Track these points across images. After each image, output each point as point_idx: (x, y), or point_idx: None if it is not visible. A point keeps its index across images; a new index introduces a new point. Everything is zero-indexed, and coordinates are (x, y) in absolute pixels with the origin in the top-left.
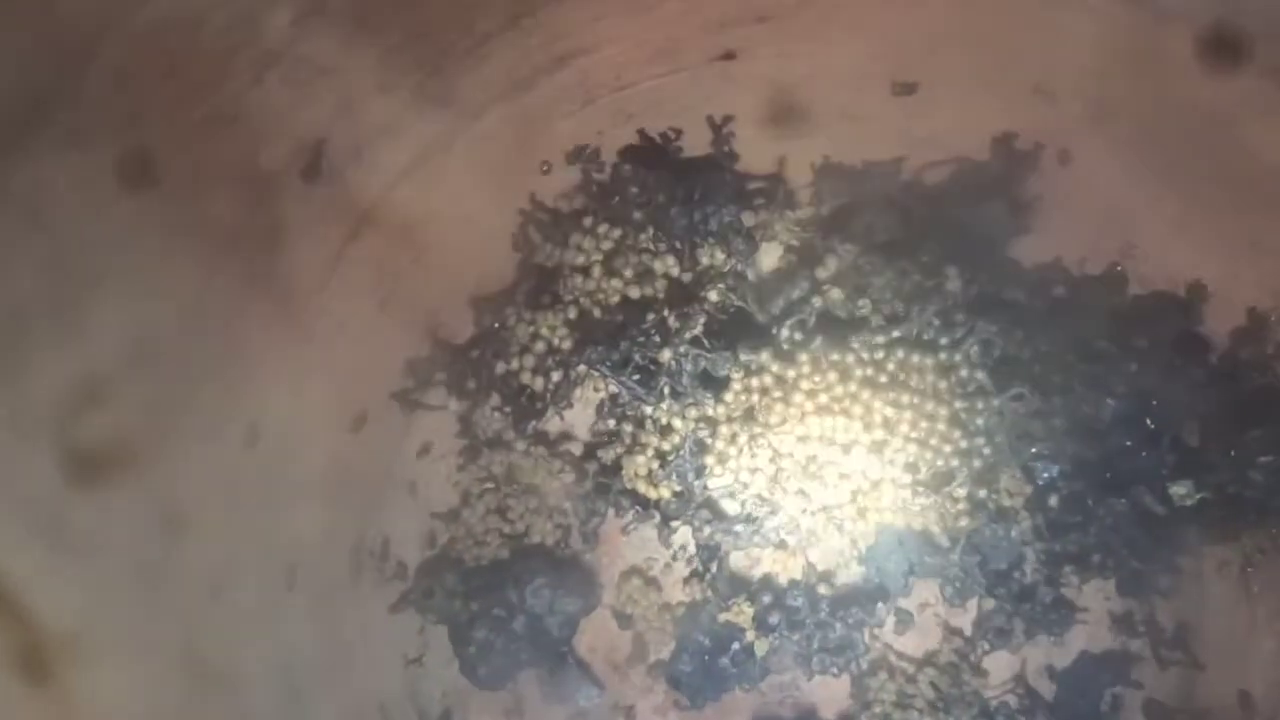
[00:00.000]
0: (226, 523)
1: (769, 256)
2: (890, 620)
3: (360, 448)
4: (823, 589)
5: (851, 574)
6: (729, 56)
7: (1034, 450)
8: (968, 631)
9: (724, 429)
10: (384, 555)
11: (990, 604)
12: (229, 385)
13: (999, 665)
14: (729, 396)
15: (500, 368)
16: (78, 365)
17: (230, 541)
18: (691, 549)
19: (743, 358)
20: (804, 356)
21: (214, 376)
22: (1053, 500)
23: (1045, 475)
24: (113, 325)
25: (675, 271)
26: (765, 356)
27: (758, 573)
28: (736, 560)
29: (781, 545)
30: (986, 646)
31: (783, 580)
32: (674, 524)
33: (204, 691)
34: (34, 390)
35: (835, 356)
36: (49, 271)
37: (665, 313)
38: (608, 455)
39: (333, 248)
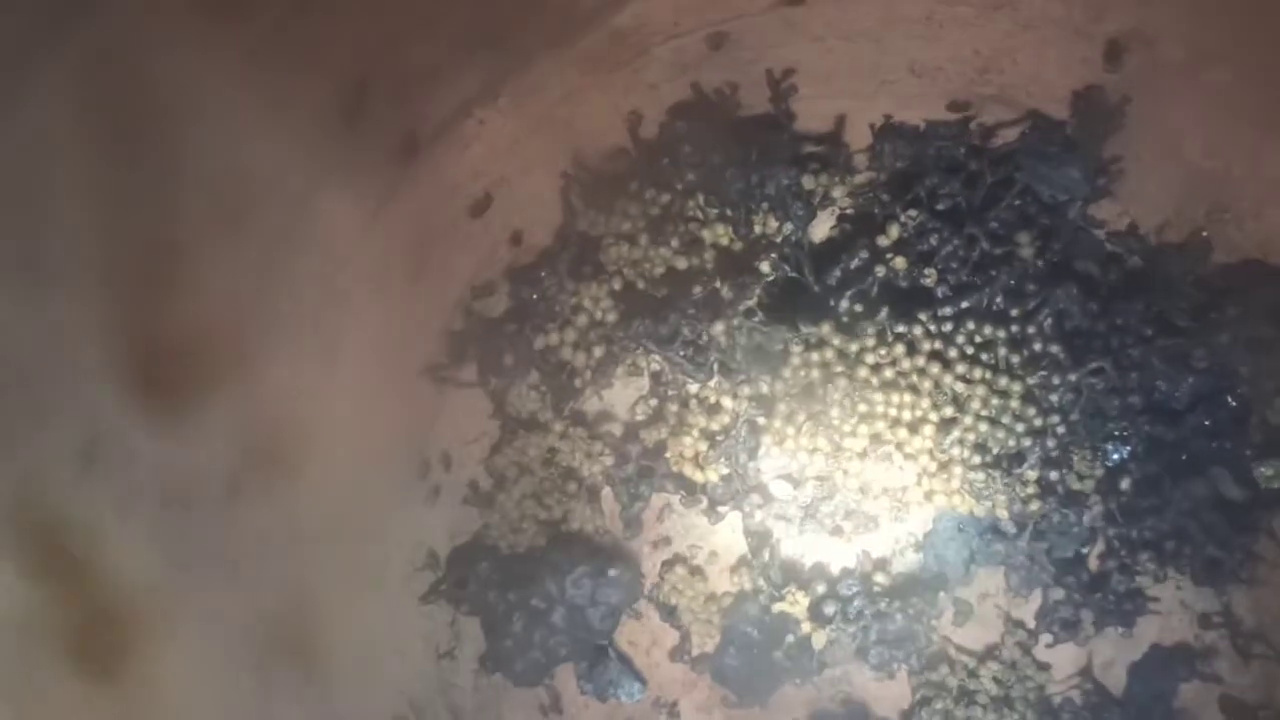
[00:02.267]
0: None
1: (821, 225)
2: (949, 611)
3: (387, 425)
4: (879, 578)
5: (908, 562)
6: (795, 2)
7: (1108, 428)
8: (1030, 623)
9: (780, 407)
10: (415, 543)
11: (1058, 594)
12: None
13: (1063, 659)
14: (786, 372)
15: (539, 342)
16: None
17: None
18: (740, 535)
19: (803, 330)
20: (868, 329)
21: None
22: (1125, 483)
23: (1116, 456)
24: None
25: (725, 240)
26: (826, 329)
27: (808, 561)
28: (788, 547)
29: (837, 531)
30: (1050, 639)
31: (835, 569)
32: (721, 509)
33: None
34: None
35: (901, 329)
36: None
37: (717, 284)
38: (651, 436)
39: (369, 205)
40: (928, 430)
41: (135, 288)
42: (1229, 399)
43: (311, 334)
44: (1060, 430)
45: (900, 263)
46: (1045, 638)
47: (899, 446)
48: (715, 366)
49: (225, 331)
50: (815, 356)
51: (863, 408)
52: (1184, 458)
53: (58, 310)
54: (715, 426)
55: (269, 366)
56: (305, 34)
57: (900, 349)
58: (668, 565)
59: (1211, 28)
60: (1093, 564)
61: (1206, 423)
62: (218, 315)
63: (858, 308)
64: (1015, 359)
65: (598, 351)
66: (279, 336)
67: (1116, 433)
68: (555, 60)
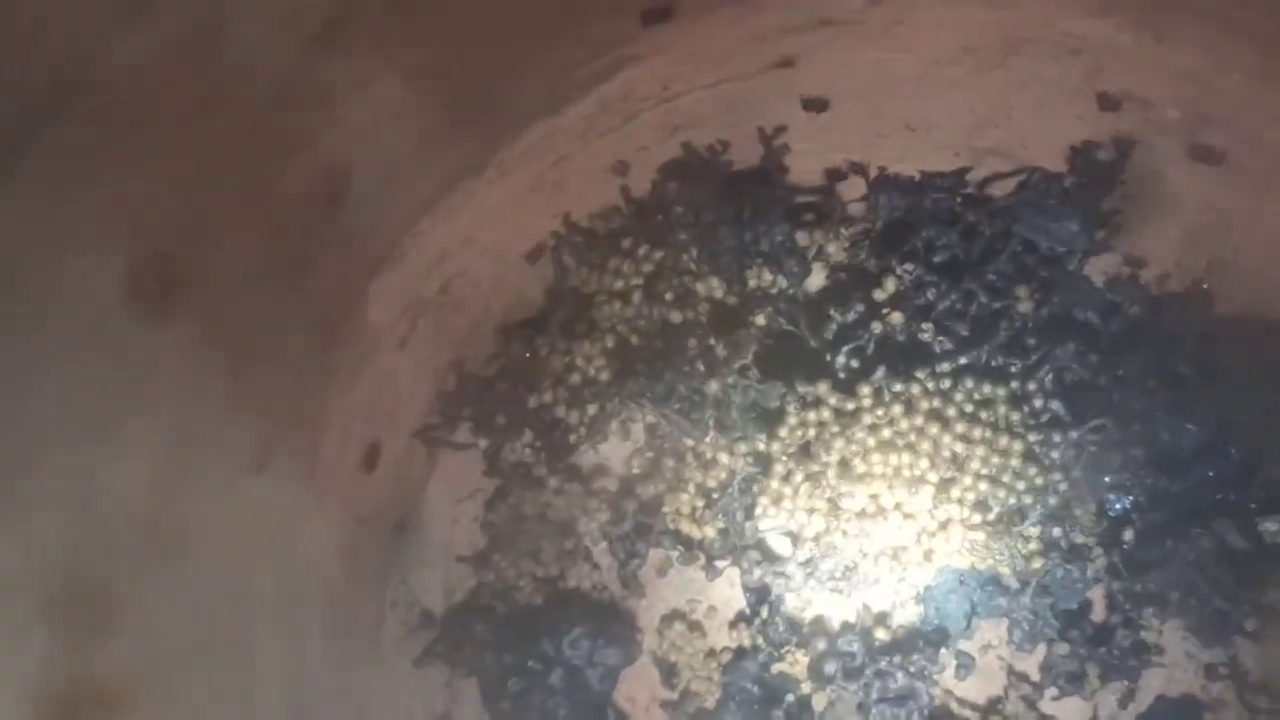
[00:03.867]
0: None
1: (817, 277)
2: (951, 665)
3: (379, 489)
4: (880, 633)
5: (908, 615)
6: (786, 64)
7: (1108, 481)
8: (1035, 676)
9: (777, 466)
10: (408, 604)
11: (1062, 648)
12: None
13: (1068, 712)
14: (783, 431)
15: (532, 401)
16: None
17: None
18: (738, 591)
19: (799, 389)
20: (865, 388)
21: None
22: (1128, 535)
23: (1119, 507)
24: None
25: (720, 294)
26: (823, 388)
27: (809, 615)
28: (788, 603)
29: (837, 589)
30: (1055, 692)
31: (835, 624)
32: (719, 565)
33: None
34: None
35: (899, 387)
36: None
37: (711, 340)
38: (647, 492)
39: (357, 281)
40: (926, 490)
41: None
42: (1232, 450)
43: None
44: (1062, 487)
45: (897, 318)
46: (1050, 691)
47: (897, 506)
48: (711, 423)
49: None
50: (812, 415)
51: (860, 468)
52: (1188, 509)
53: None
54: (712, 482)
55: None
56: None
57: (898, 408)
58: (666, 621)
59: (1209, 93)
60: (1097, 617)
61: (1210, 474)
62: None
63: (854, 364)
64: (1015, 416)
65: (591, 409)
66: None
67: (1119, 484)
68: (543, 131)
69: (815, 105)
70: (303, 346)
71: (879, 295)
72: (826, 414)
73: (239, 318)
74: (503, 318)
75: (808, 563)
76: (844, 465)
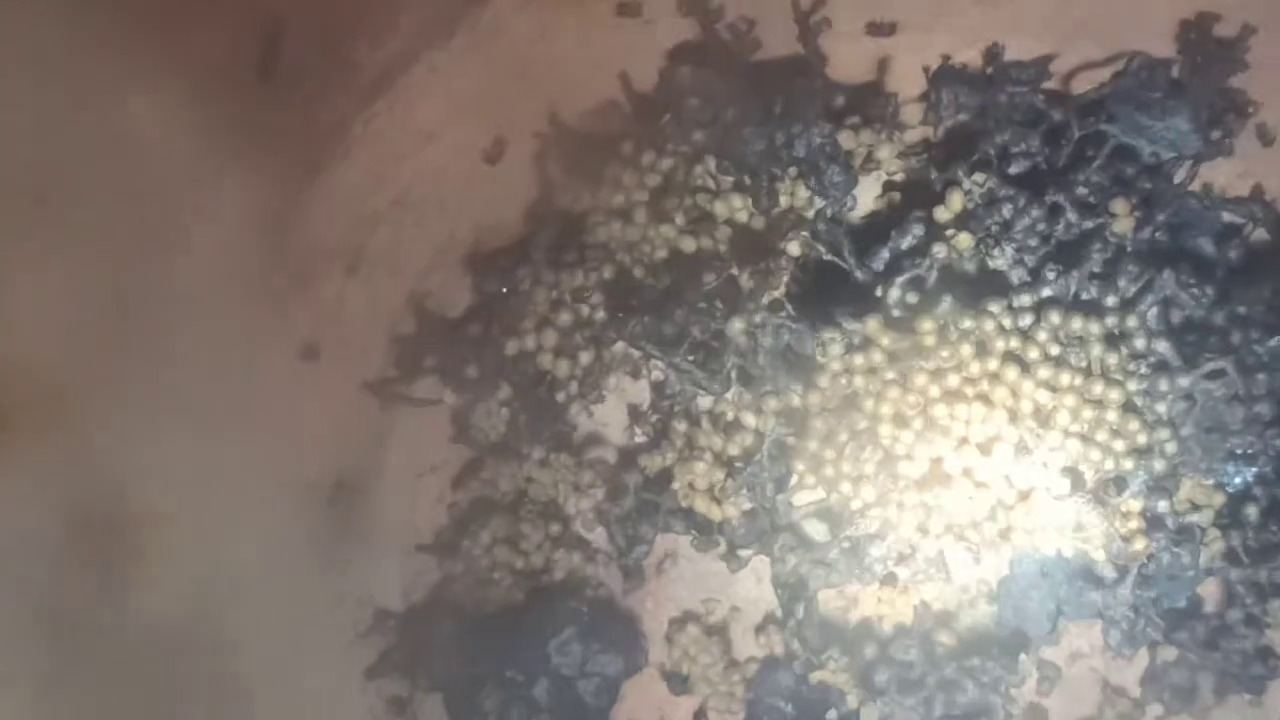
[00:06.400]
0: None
1: (865, 194)
2: (1033, 677)
3: (325, 456)
4: (943, 636)
5: (979, 616)
6: None
7: (1229, 445)
8: (1134, 691)
9: (816, 424)
10: (358, 601)
11: (1168, 654)
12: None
13: None
14: (823, 380)
15: (510, 348)
16: None
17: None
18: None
19: (844, 327)
20: (926, 325)
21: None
22: (1251, 513)
23: (1239, 480)
24: None
25: (743, 216)
26: (873, 326)
27: (854, 617)
28: (826, 600)
29: (889, 580)
30: (1160, 710)
31: (887, 627)
32: (743, 553)
33: None
34: None
35: (968, 324)
36: None
37: (734, 270)
38: (653, 464)
39: (291, 182)
40: (1003, 452)
41: None
42: None
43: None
44: (1170, 449)
45: (964, 241)
46: (1154, 709)
47: (967, 473)
48: (733, 374)
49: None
50: (859, 360)
51: (920, 424)
52: None
53: None
54: (734, 450)
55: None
56: None
57: (967, 349)
58: (677, 625)
59: None
60: (1213, 615)
61: None
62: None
63: (912, 298)
64: (1112, 360)
65: (585, 358)
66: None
67: (1239, 450)
68: None
69: None
70: None
71: (942, 214)
72: (878, 358)
73: None
74: (474, 242)
75: (854, 549)
76: (899, 421)
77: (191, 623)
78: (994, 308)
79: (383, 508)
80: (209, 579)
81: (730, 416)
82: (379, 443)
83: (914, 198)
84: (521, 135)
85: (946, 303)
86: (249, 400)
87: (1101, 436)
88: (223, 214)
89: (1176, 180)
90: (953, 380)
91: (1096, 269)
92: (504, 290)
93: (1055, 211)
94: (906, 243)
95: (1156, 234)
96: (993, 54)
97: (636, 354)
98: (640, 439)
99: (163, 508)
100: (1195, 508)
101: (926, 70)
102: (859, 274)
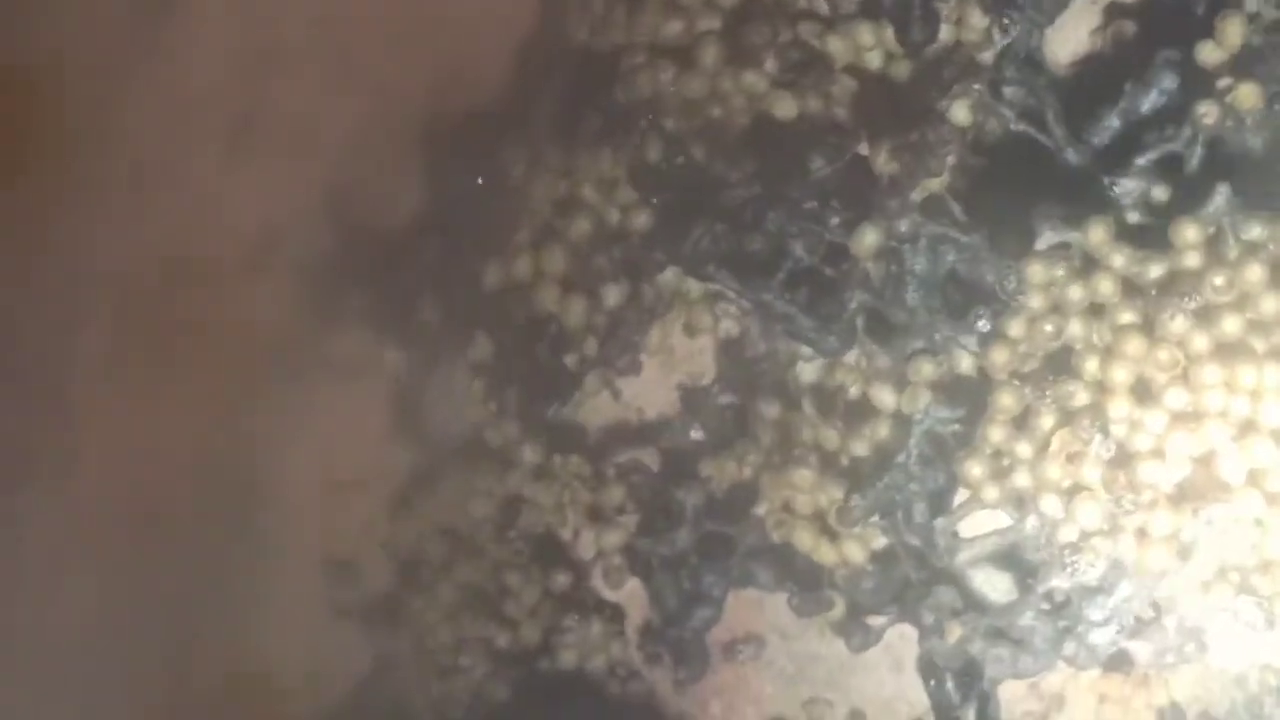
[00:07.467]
0: None
1: (1078, 24)
2: None
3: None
4: None
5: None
6: None
7: None
8: None
9: (1004, 400)
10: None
11: None
12: None
13: None
14: (1014, 328)
15: (492, 276)
16: None
17: None
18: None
19: (1047, 237)
20: (1186, 235)
21: None
22: None
23: None
24: None
25: (878, 58)
26: (1096, 237)
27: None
28: (1013, 700)
29: (1120, 664)
30: None
31: None
32: (873, 622)
33: None
34: None
35: (1257, 232)
36: None
37: (863, 148)
38: (723, 473)
39: None
40: None
41: None
42: None
43: None
44: None
45: (1248, 96)
46: None
47: (1254, 479)
48: (860, 322)
49: None
50: (1075, 293)
51: (1176, 399)
52: None
53: None
54: (860, 449)
55: None
56: None
57: (1256, 274)
58: None
59: None
60: None
61: None
62: None
63: (1161, 193)
64: None
65: (611, 295)
66: None
67: None
68: None
69: None
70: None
71: (1211, 54)
72: (1106, 287)
73: None
74: (431, 103)
75: (1059, 611)
76: (1141, 395)
77: None
78: None
79: (281, 545)
80: None
81: (854, 392)
82: (281, 434)
83: (1161, 28)
84: None
85: (1220, 198)
86: None
87: None
88: None
89: None
90: (1231, 325)
91: None
92: (480, 181)
93: None
94: (1150, 102)
95: None
96: None
97: (697, 289)
98: (700, 434)
99: None
100: None
101: None
102: (1071, 154)
